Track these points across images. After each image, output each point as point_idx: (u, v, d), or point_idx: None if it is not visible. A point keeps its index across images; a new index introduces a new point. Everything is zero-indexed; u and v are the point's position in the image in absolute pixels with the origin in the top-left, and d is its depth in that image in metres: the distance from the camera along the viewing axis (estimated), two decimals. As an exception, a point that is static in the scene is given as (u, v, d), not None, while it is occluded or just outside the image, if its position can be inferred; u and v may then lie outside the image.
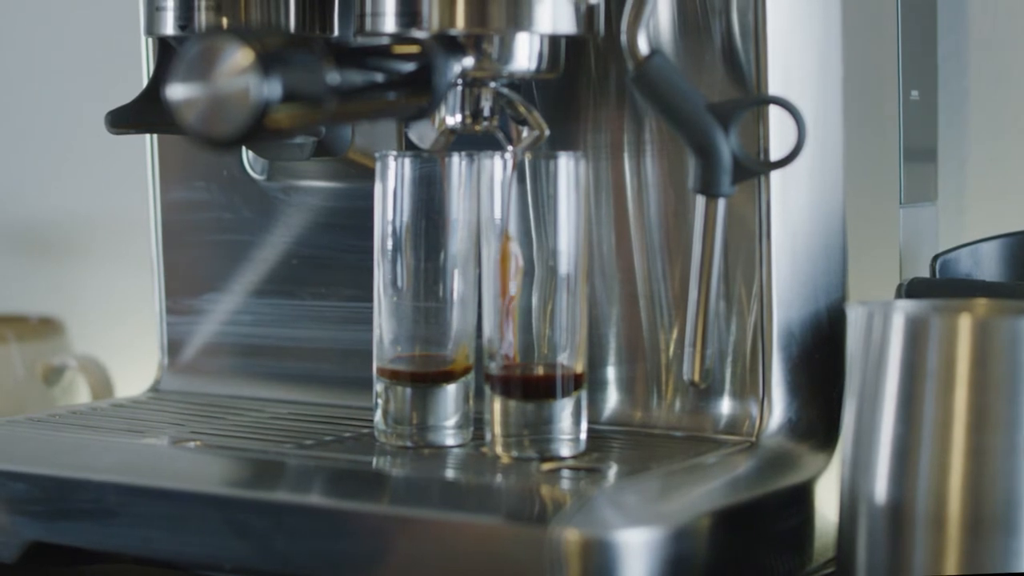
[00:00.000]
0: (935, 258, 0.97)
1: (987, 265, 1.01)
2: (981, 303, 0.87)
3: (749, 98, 0.91)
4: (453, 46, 0.89)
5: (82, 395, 1.35)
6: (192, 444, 0.95)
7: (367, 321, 0.95)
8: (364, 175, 0.98)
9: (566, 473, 0.87)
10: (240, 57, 0.78)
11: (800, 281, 0.94)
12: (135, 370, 1.28)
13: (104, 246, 1.44)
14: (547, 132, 0.92)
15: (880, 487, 0.80)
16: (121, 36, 1.17)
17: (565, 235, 0.89)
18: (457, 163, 0.92)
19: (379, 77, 0.86)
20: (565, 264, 0.89)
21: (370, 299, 0.94)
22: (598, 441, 0.93)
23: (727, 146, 0.88)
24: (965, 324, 0.79)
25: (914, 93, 1.04)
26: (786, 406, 0.94)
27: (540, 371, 0.89)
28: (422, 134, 0.94)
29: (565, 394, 0.90)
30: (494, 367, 0.90)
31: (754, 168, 0.89)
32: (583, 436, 0.90)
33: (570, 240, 0.89)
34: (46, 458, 0.95)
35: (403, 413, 0.93)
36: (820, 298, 0.95)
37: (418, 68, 0.87)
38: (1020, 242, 1.02)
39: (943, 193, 1.10)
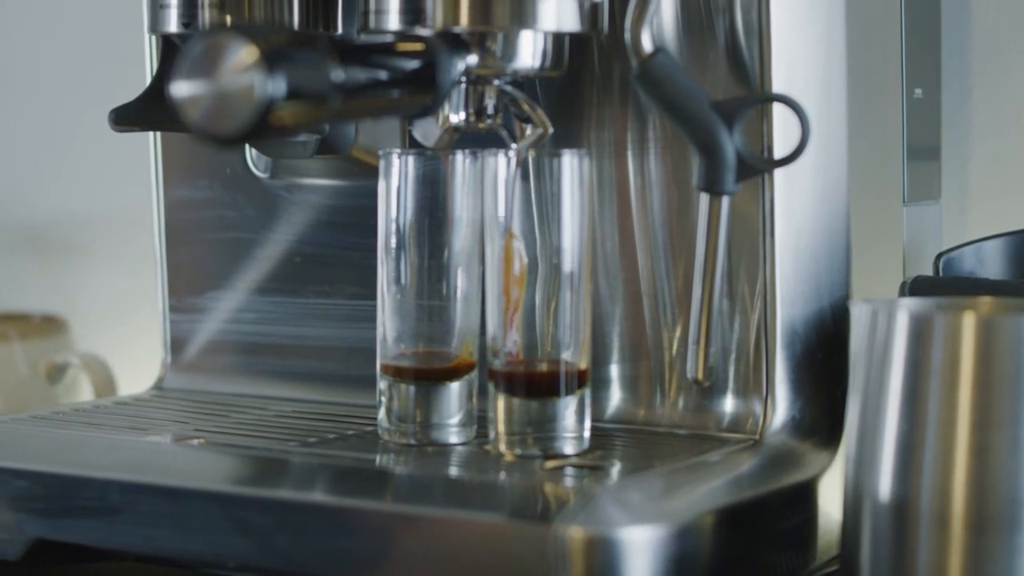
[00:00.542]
0: (939, 256, 0.97)
1: (991, 263, 1.00)
2: (985, 301, 0.87)
3: (753, 96, 0.91)
4: (457, 44, 0.89)
5: (85, 393, 1.35)
6: (195, 442, 0.95)
7: (371, 319, 0.95)
8: (368, 173, 0.98)
9: (570, 471, 0.87)
10: (244, 54, 0.78)
11: (804, 279, 0.94)
12: (138, 368, 1.28)
13: (107, 244, 1.44)
14: (551, 130, 0.92)
15: (884, 485, 0.80)
16: (124, 34, 1.17)
17: (569, 233, 0.89)
18: (461, 161, 0.92)
19: (383, 75, 0.85)
20: (569, 262, 0.89)
21: (373, 297, 0.94)
22: (602, 439, 0.93)
23: (731, 144, 0.88)
24: (969, 322, 0.79)
25: (918, 91, 1.04)
26: (790, 404, 0.94)
27: (544, 368, 0.89)
28: (426, 132, 0.94)
29: (569, 392, 0.89)
30: (498, 364, 0.90)
31: (758, 166, 0.89)
32: (587, 434, 0.90)
33: (574, 238, 0.89)
34: (50, 456, 0.95)
35: (407, 411, 0.93)
36: (824, 296, 0.95)
37: (422, 66, 0.87)
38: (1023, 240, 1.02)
39: (947, 191, 1.09)
